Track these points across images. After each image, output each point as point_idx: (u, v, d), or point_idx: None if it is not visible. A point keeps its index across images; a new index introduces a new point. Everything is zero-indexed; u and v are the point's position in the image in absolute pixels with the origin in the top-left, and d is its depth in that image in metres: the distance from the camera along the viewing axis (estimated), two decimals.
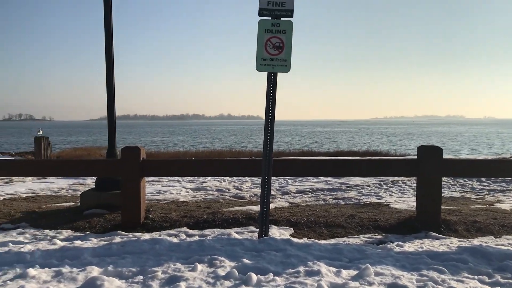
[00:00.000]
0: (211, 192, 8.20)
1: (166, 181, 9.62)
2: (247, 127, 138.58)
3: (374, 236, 4.97)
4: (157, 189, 8.50)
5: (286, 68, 4.53)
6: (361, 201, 7.24)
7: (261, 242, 4.49)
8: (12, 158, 17.51)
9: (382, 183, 8.81)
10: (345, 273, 3.60)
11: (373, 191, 8.13)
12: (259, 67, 4.54)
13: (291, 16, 4.51)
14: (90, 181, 9.88)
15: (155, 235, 4.98)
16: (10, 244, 4.42)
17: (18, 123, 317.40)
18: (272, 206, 6.45)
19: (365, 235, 5.00)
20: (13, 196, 8.01)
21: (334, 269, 3.68)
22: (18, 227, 5.41)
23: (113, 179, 6.35)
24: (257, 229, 4.92)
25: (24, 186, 9.05)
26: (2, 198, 7.84)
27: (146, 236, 4.92)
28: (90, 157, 20.47)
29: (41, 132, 19.42)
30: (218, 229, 5.21)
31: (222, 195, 7.87)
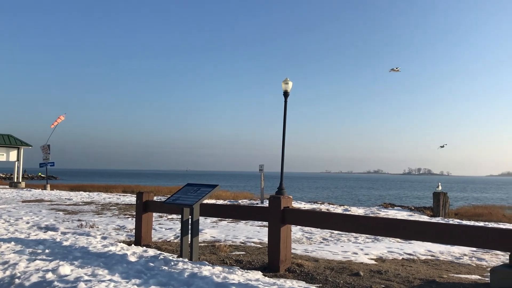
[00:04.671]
0: None
1: None
2: None
3: None
4: None
5: None
6: None
7: None
8: (411, 214, 17.68)
9: None
10: None
11: None
12: None
13: None
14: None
15: None
16: None
17: (416, 177, 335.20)
18: None
19: None
20: (411, 257, 7.51)
21: None
22: None
23: None
24: None
25: (423, 247, 8.47)
26: (401, 258, 7.47)
27: None
28: (492, 216, 18.48)
29: (440, 188, 18.98)
30: None
31: None
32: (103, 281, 4.79)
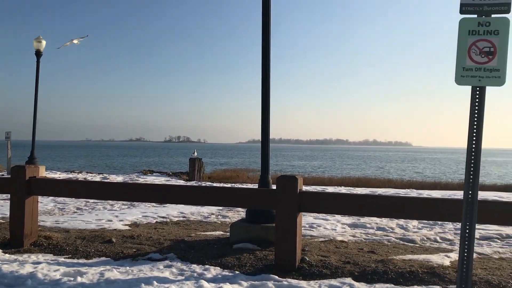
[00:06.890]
0: (372, 231, 7.08)
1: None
2: (394, 153, 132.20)
3: None
4: (308, 221, 7.68)
5: (500, 80, 3.36)
6: None
7: None
8: (169, 179, 18.38)
9: None
10: None
11: None
12: (460, 80, 3.43)
13: (508, 11, 3.35)
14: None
15: (314, 285, 4.12)
16: (155, 283, 3.94)
17: (176, 145, 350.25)
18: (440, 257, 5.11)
19: None
20: (165, 220, 7.90)
21: None
22: (166, 258, 5.00)
23: (266, 210, 5.69)
24: None
25: (176, 209, 8.99)
26: (155, 221, 7.77)
27: (304, 285, 4.08)
28: (238, 178, 20.71)
29: (195, 154, 20.25)
30: (393, 286, 4.14)
31: (387, 236, 6.69)
32: None
